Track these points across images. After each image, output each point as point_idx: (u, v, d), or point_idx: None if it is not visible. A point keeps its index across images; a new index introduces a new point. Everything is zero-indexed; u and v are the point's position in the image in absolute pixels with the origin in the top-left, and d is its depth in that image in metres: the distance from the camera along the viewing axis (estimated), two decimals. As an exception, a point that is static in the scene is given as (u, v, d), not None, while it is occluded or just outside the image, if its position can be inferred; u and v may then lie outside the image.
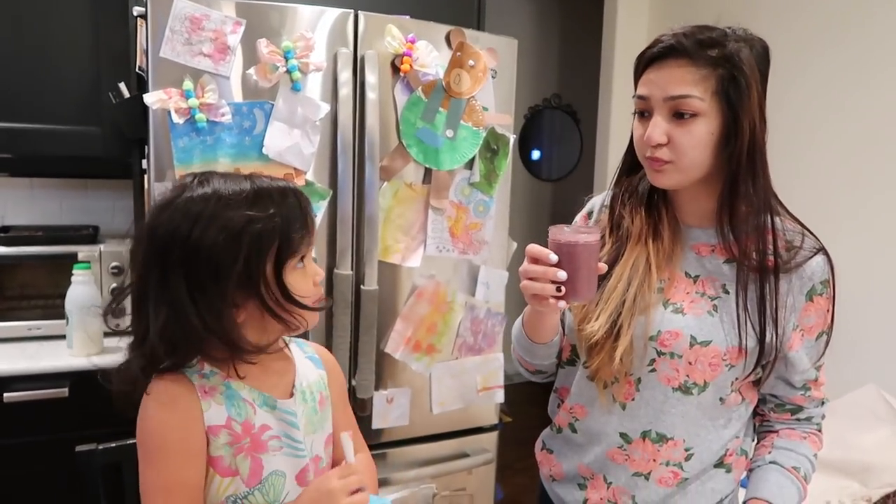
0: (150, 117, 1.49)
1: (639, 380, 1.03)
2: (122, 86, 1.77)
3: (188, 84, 1.48)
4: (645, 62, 0.98)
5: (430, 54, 1.70)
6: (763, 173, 0.97)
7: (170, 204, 0.88)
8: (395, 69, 1.68)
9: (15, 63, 1.88)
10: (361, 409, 1.75)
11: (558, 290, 0.91)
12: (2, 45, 1.86)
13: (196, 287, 0.85)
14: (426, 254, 1.77)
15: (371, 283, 1.67)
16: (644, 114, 0.99)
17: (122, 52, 1.87)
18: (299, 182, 1.60)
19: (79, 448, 1.19)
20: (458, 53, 1.72)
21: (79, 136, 1.95)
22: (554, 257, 0.92)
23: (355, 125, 1.66)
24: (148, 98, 1.47)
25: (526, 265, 0.95)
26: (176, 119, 1.48)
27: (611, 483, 1.08)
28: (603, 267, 0.96)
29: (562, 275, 0.91)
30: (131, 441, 1.26)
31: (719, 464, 1.07)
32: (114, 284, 1.97)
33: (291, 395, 0.98)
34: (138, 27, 1.63)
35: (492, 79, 1.79)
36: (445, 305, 1.81)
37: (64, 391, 1.75)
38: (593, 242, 0.92)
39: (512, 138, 1.85)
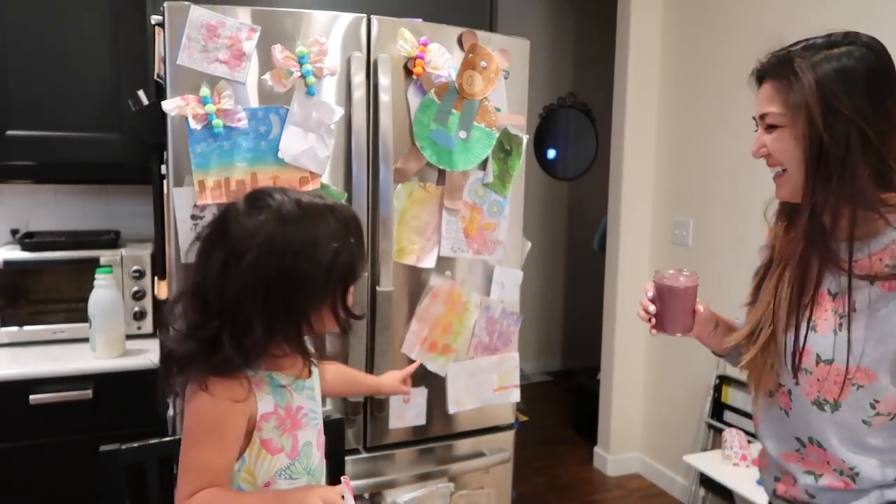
0: (169, 123, 1.52)
1: (790, 391, 1.08)
2: (141, 93, 1.80)
3: (205, 90, 1.51)
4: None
5: (443, 56, 1.71)
6: (839, 178, 0.95)
7: (265, 224, 0.97)
8: (408, 72, 1.69)
9: (36, 73, 1.92)
10: (379, 409, 1.77)
11: (649, 319, 1.15)
12: (24, 56, 1.90)
13: (288, 302, 0.97)
14: (441, 254, 1.78)
15: (386, 284, 1.69)
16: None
17: (140, 59, 1.91)
18: (314, 185, 1.62)
19: (102, 448, 1.22)
20: (471, 55, 1.73)
21: (99, 142, 1.99)
22: (650, 292, 1.16)
23: (369, 128, 1.68)
24: (166, 105, 1.50)
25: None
26: (193, 125, 1.51)
27: (796, 481, 1.11)
28: (698, 308, 1.14)
29: (648, 306, 1.15)
30: (154, 441, 1.30)
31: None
32: (136, 287, 2.01)
33: (310, 373, 1.12)
34: (156, 35, 1.66)
35: (504, 79, 1.80)
36: (461, 305, 1.82)
37: (88, 393, 1.79)
38: (674, 287, 1.13)
39: (525, 138, 1.85)
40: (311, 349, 1.06)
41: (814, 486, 1.08)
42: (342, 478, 0.99)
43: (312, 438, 1.10)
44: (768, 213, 1.17)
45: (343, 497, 0.95)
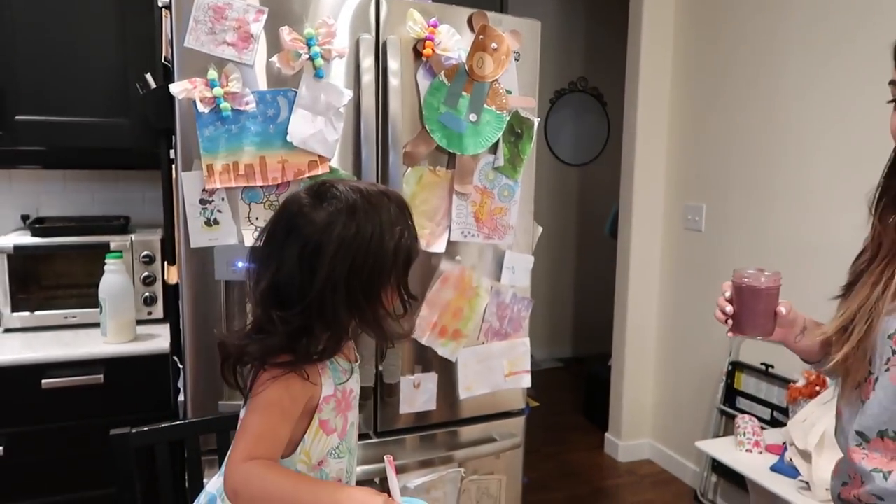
0: (177, 107, 1.51)
1: (877, 379, 1.02)
2: (149, 76, 1.79)
3: (213, 73, 1.49)
4: None
5: (453, 38, 1.69)
6: None
7: (338, 216, 1.00)
8: (418, 54, 1.67)
9: (44, 58, 1.91)
10: (389, 394, 1.76)
11: (726, 321, 1.11)
12: (30, 42, 1.90)
13: (366, 288, 1.02)
14: (451, 239, 1.76)
15: (396, 269, 1.67)
16: None
17: (147, 43, 1.89)
18: (323, 169, 1.61)
19: (113, 431, 1.22)
20: (481, 36, 1.71)
21: (108, 127, 1.99)
22: (727, 292, 1.11)
23: (378, 111, 1.66)
24: (174, 88, 1.49)
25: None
26: (201, 108, 1.49)
27: (864, 483, 1.03)
28: (780, 310, 1.08)
29: (725, 306, 1.11)
30: (164, 425, 1.30)
31: None
32: (146, 273, 2.01)
33: (357, 358, 1.19)
34: (163, 18, 1.65)
35: (515, 62, 1.77)
36: (471, 290, 1.81)
37: (99, 377, 1.80)
38: (755, 286, 1.08)
39: (536, 121, 1.83)
40: (391, 331, 1.10)
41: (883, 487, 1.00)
42: (385, 457, 1.00)
43: (356, 419, 1.18)
44: (875, 205, 1.09)
45: (387, 477, 0.99)
